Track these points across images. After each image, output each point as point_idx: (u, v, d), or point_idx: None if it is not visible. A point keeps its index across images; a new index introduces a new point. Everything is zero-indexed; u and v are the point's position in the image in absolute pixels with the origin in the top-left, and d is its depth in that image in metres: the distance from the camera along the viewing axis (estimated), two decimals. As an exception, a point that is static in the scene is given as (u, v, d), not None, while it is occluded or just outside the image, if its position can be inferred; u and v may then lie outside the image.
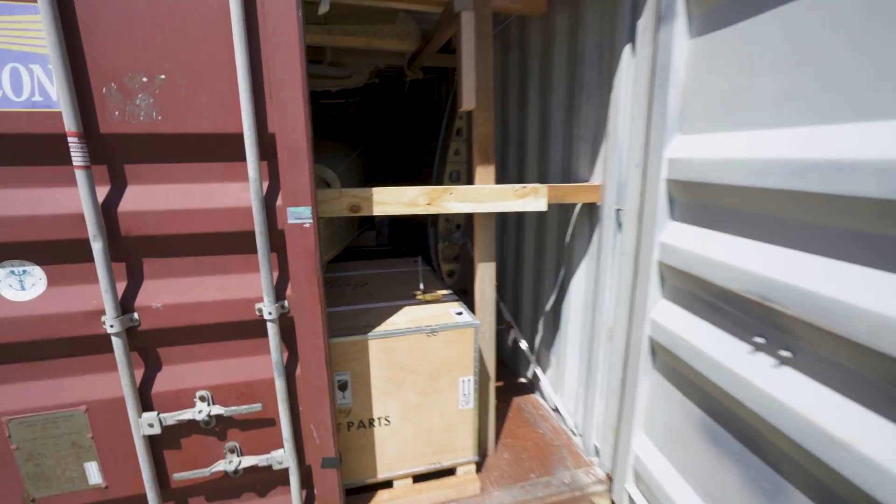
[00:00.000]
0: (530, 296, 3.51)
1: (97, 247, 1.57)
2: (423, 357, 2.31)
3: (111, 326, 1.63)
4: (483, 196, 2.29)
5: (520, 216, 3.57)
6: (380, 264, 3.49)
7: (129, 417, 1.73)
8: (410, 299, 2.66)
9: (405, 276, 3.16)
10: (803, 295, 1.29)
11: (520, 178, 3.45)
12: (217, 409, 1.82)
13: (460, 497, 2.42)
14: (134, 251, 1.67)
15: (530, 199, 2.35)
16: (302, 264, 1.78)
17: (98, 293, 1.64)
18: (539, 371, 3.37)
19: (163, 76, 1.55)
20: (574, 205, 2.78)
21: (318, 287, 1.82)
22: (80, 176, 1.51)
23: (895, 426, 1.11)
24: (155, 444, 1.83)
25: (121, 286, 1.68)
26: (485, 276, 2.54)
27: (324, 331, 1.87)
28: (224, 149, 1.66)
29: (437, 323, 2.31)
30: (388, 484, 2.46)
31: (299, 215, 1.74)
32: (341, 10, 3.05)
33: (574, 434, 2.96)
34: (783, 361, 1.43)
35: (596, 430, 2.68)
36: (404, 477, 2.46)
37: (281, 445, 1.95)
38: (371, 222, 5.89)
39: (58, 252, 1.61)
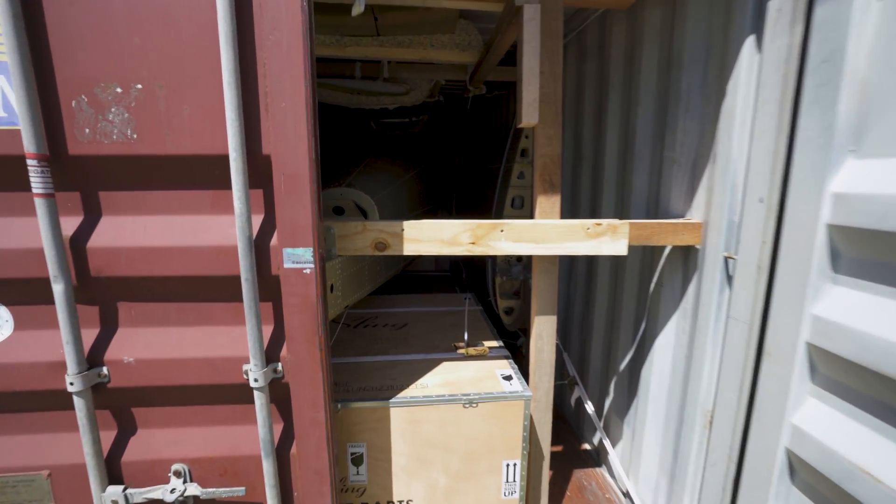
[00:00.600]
0: (601, 349, 2.88)
1: (58, 289, 1.28)
2: (458, 432, 1.82)
3: (71, 384, 1.34)
4: (544, 234, 1.78)
5: (591, 252, 2.98)
6: (427, 300, 3.06)
7: (92, 490, 1.42)
8: (451, 352, 2.19)
9: (452, 319, 2.70)
10: None
11: (593, 211, 2.87)
12: (193, 489, 1.46)
13: None
14: (105, 294, 1.38)
15: (605, 239, 1.80)
16: (300, 319, 1.39)
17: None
18: (607, 442, 2.72)
19: (139, 85, 1.25)
20: (663, 246, 2.16)
21: (321, 348, 1.41)
22: (40, 205, 1.24)
23: None
24: (126, 522, 1.51)
25: (90, 334, 1.39)
26: (543, 332, 2.01)
27: (327, 401, 1.45)
28: (212, 173, 1.32)
29: (477, 391, 1.82)
30: (409, 582, 1.98)
31: (298, 258, 1.35)
32: (395, 19, 2.72)
33: (653, 536, 2.28)
34: None
35: (684, 543, 2.01)
36: (430, 577, 1.96)
37: (271, 538, 1.55)
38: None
39: (23, 292, 1.35)
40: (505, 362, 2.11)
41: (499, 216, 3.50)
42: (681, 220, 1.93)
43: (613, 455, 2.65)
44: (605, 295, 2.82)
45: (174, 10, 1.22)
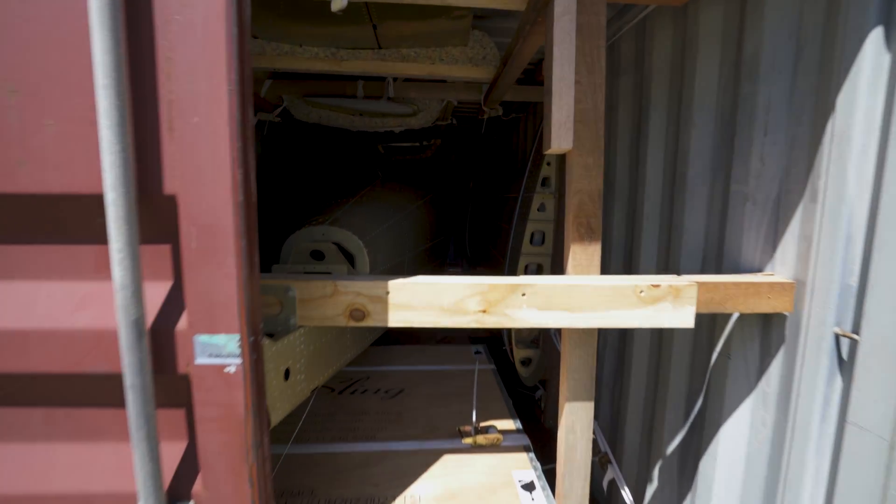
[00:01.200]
0: (639, 420, 2.33)
1: None
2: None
3: None
4: (581, 299, 1.28)
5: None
6: (430, 355, 2.56)
7: None
8: (455, 439, 1.68)
9: (458, 382, 2.19)
10: None
11: (629, 263, 2.36)
12: None
13: None
14: (-65, 397, 0.92)
15: (665, 306, 1.29)
16: (222, 441, 0.91)
17: None
18: (653, 544, 2.14)
19: (-22, 90, 0.82)
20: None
21: (253, 482, 0.92)
22: None
23: None
24: None
25: (-85, 455, 0.93)
26: (576, 424, 1.49)
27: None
28: (92, 222, 0.87)
29: (487, 512, 1.30)
30: None
31: (217, 350, 0.88)
32: (398, 28, 2.31)
33: None
34: None
35: None
36: None
37: None
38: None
39: None
40: (524, 457, 1.58)
41: (516, 252, 3.02)
42: (764, 279, 1.41)
43: (660, 562, 2.07)
44: (645, 352, 2.28)
45: (32, -22, 0.79)
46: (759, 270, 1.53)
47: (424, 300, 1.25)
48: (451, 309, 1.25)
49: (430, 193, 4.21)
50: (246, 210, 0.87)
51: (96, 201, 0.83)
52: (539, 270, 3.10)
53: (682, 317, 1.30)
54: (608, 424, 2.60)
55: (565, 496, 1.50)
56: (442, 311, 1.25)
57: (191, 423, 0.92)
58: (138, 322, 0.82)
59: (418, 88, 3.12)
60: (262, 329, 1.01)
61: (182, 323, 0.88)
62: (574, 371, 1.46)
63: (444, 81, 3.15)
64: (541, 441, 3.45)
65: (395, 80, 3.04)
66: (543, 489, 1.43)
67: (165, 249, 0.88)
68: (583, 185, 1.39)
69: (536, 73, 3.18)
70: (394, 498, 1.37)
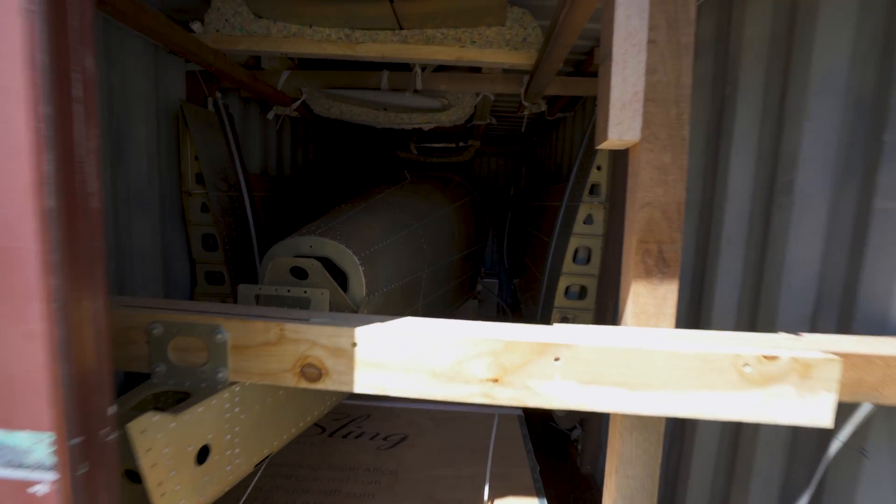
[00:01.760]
0: (706, 492, 1.79)
1: None
2: None
3: None
4: (646, 371, 0.82)
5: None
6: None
7: None
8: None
9: (473, 431, 1.77)
10: None
11: (697, 303, 1.84)
12: None
13: None
14: None
15: (784, 389, 0.81)
16: None
17: None
18: None
19: None
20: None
21: None
22: None
23: None
24: None
25: None
26: (628, 539, 1.02)
27: None
28: None
29: None
30: None
31: (17, 458, 0.51)
32: (421, 5, 1.92)
33: None
34: None
35: None
36: None
37: None
38: (472, 289, 4.60)
39: None
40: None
41: (556, 271, 2.55)
42: (944, 349, 0.89)
43: None
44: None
45: None
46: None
47: (408, 358, 0.83)
48: (446, 374, 0.83)
49: (466, 197, 3.79)
50: (65, 223, 0.50)
51: None
52: (582, 295, 2.61)
53: (812, 409, 0.81)
54: (668, 480, 2.07)
55: None
56: (433, 375, 0.84)
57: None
58: None
59: (449, 80, 2.72)
60: (148, 400, 0.63)
61: (-41, 410, 0.52)
62: (628, 464, 0.99)
63: (478, 71, 2.73)
64: (576, 488, 2.93)
65: (423, 69, 2.66)
66: None
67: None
68: (654, 194, 0.93)
69: (586, 63, 2.70)
70: None
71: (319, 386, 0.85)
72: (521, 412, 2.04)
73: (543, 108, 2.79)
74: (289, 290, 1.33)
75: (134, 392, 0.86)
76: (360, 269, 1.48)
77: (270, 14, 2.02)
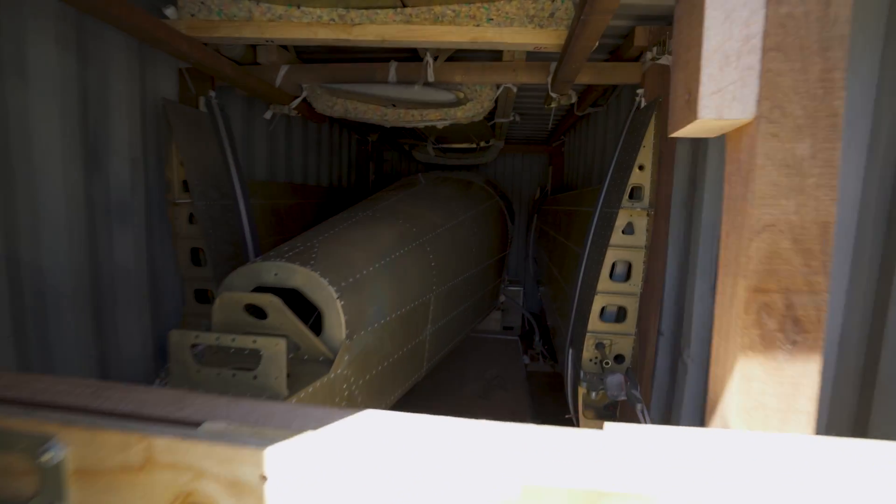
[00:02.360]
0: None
1: None
2: None
3: None
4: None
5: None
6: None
7: None
8: None
9: None
10: None
11: (854, 394, 1.29)
12: None
13: None
14: None
15: None
16: None
17: None
18: None
19: None
20: None
21: None
22: None
23: None
24: None
25: None
26: None
27: None
28: None
29: None
30: None
31: None
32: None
33: None
34: None
35: None
36: None
37: None
38: (494, 302, 4.22)
39: None
40: None
41: (589, 288, 2.15)
42: None
43: None
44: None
45: None
46: None
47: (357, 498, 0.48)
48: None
49: (488, 201, 3.42)
50: None
51: None
52: (621, 317, 2.20)
53: None
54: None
55: None
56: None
57: None
58: None
59: (465, 70, 2.36)
60: None
61: None
62: None
63: (498, 58, 2.37)
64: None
65: (434, 59, 2.31)
66: None
67: None
68: (781, 210, 0.54)
69: (623, 48, 2.29)
70: None
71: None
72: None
73: (574, 99, 2.40)
74: (233, 340, 1.00)
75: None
76: (338, 303, 1.13)
77: (252, -6, 1.72)
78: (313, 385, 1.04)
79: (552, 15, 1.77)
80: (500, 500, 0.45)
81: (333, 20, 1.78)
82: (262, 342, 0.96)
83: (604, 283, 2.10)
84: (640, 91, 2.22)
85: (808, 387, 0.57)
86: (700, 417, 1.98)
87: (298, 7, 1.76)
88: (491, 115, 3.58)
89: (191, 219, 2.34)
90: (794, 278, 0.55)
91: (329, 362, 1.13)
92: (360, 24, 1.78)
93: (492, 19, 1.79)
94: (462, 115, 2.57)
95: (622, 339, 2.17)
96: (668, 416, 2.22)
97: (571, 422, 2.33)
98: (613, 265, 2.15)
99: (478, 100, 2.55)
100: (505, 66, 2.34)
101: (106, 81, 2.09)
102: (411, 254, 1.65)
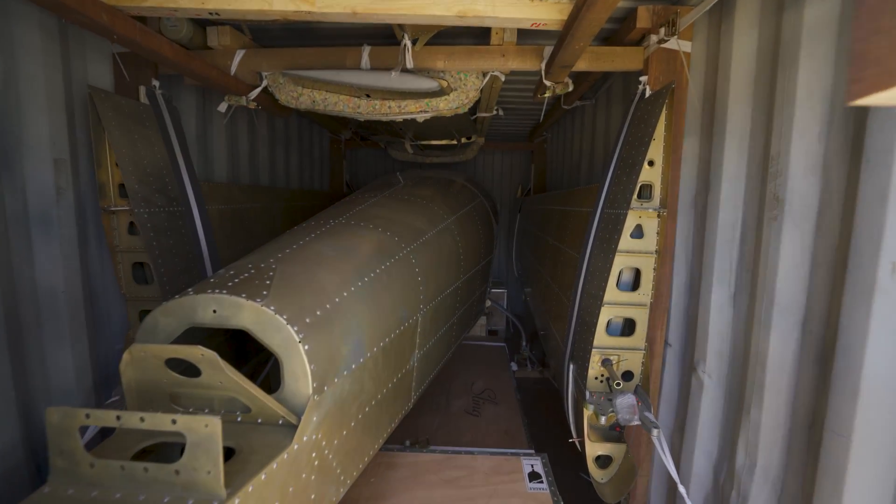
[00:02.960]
0: None
1: None
2: None
3: None
4: None
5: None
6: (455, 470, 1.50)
7: None
8: None
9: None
10: None
11: None
12: None
13: None
14: None
15: None
16: None
17: None
18: None
19: None
20: None
21: None
22: None
23: None
24: None
25: None
26: None
27: None
28: None
29: None
30: None
31: None
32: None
33: None
34: None
35: None
36: None
37: None
38: (481, 310, 3.95)
39: None
40: None
41: (594, 299, 1.90)
42: None
43: None
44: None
45: None
46: None
47: None
48: None
49: (472, 202, 3.14)
50: None
51: None
52: (628, 330, 1.96)
53: None
54: None
55: None
56: None
57: None
58: None
59: (448, 55, 2.08)
60: None
61: None
62: None
63: (485, 42, 2.09)
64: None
65: (413, 43, 2.01)
66: None
67: None
68: None
69: (621, 32, 2.05)
70: None
71: None
72: (553, 486, 1.40)
73: (570, 87, 2.14)
74: (142, 420, 0.66)
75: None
76: (301, 349, 0.83)
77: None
78: (267, 469, 0.73)
79: (553, -15, 1.50)
80: None
81: (292, -12, 1.46)
82: (185, 423, 0.64)
83: (611, 293, 1.86)
84: (643, 79, 1.99)
85: None
86: (719, 441, 1.77)
87: (249, -27, 1.44)
88: (472, 109, 3.32)
89: (132, 228, 1.98)
90: None
91: (291, 427, 0.83)
92: (325, -7, 1.47)
93: (481, -10, 1.50)
94: (445, 106, 2.28)
95: (631, 355, 1.93)
96: (679, 436, 2.01)
97: (574, 446, 2.09)
98: (620, 273, 1.92)
99: (462, 89, 2.26)
100: (493, 50, 2.07)
101: (13, 66, 1.71)
102: (395, 268, 1.35)
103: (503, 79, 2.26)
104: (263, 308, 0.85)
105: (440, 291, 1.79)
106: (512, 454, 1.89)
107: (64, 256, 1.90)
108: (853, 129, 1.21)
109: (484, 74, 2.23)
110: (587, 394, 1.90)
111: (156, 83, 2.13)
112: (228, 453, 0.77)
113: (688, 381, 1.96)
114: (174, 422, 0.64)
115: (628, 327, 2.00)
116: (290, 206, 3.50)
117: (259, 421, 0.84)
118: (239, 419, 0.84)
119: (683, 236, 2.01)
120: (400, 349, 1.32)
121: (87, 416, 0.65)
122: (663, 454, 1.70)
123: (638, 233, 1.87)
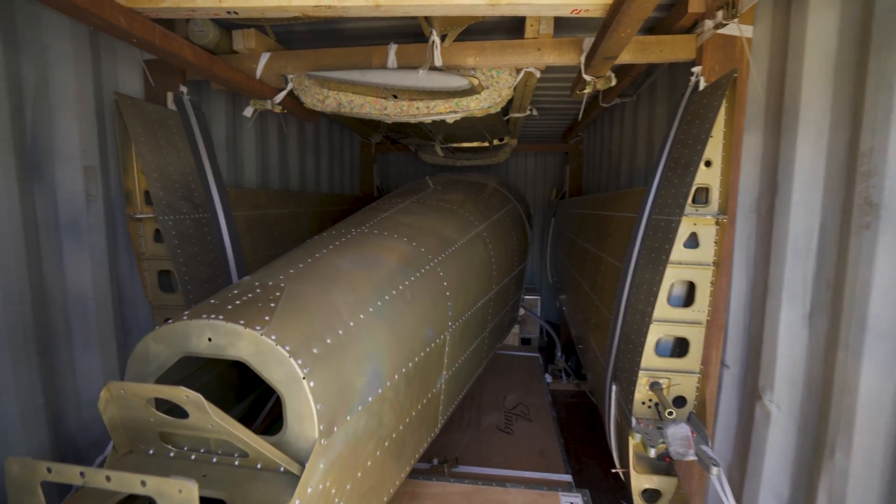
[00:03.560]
0: None
1: None
2: None
3: None
4: None
5: None
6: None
7: None
8: None
9: None
10: None
11: None
12: None
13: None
14: None
15: None
16: None
17: None
18: None
19: None
20: None
21: None
22: None
23: None
24: None
25: None
26: None
27: None
28: None
29: None
30: None
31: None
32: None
33: None
34: None
35: None
36: None
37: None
38: (514, 319, 3.76)
39: None
40: None
41: (641, 315, 1.70)
42: None
43: None
44: None
45: None
46: None
47: None
48: None
49: (506, 206, 2.97)
50: None
51: None
52: (680, 350, 1.75)
53: None
54: None
55: None
56: None
57: None
58: None
59: (479, 51, 1.93)
60: None
61: None
62: None
63: (518, 36, 1.93)
64: None
65: (442, 39, 1.88)
66: None
67: None
68: None
69: (671, 19, 1.84)
70: None
71: None
72: None
73: (613, 82, 1.94)
74: (108, 479, 0.56)
75: None
76: (306, 385, 0.70)
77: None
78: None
79: (597, -34, 1.33)
80: None
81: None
82: (156, 486, 0.52)
83: (662, 309, 1.65)
84: (695, 69, 1.77)
85: None
86: (791, 482, 1.52)
87: (267, -33, 1.35)
88: (505, 110, 3.15)
89: (157, 236, 1.95)
90: None
91: (294, 476, 0.71)
92: (346, -15, 1.36)
93: (517, -24, 1.35)
94: (476, 105, 2.13)
95: (684, 378, 1.71)
96: (739, 473, 1.77)
97: (619, 477, 1.88)
98: (672, 286, 1.71)
99: (494, 87, 2.11)
100: (527, 43, 1.90)
101: (46, 74, 1.71)
102: (420, 283, 1.21)
103: (538, 75, 2.09)
104: (263, 338, 0.73)
105: (470, 305, 1.64)
106: (549, 490, 1.71)
107: (93, 264, 1.88)
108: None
109: (518, 71, 2.07)
110: (633, 420, 1.70)
111: (183, 89, 2.09)
112: (219, 506, 0.65)
113: (750, 410, 1.72)
114: (144, 483, 0.53)
115: (679, 347, 1.78)
116: (319, 212, 3.44)
117: (258, 466, 0.72)
118: (236, 463, 0.73)
119: (743, 245, 1.77)
120: (425, 373, 1.18)
121: (49, 470, 0.55)
122: (725, 497, 1.47)
123: (692, 242, 1.65)
